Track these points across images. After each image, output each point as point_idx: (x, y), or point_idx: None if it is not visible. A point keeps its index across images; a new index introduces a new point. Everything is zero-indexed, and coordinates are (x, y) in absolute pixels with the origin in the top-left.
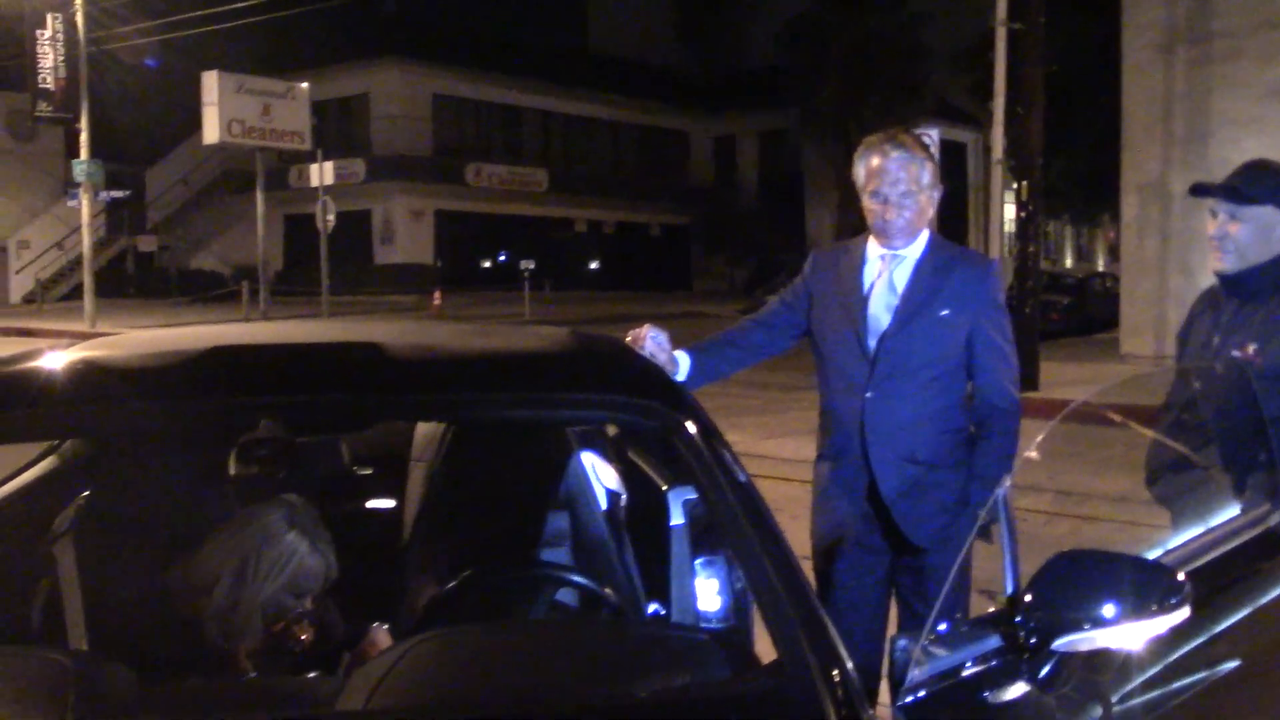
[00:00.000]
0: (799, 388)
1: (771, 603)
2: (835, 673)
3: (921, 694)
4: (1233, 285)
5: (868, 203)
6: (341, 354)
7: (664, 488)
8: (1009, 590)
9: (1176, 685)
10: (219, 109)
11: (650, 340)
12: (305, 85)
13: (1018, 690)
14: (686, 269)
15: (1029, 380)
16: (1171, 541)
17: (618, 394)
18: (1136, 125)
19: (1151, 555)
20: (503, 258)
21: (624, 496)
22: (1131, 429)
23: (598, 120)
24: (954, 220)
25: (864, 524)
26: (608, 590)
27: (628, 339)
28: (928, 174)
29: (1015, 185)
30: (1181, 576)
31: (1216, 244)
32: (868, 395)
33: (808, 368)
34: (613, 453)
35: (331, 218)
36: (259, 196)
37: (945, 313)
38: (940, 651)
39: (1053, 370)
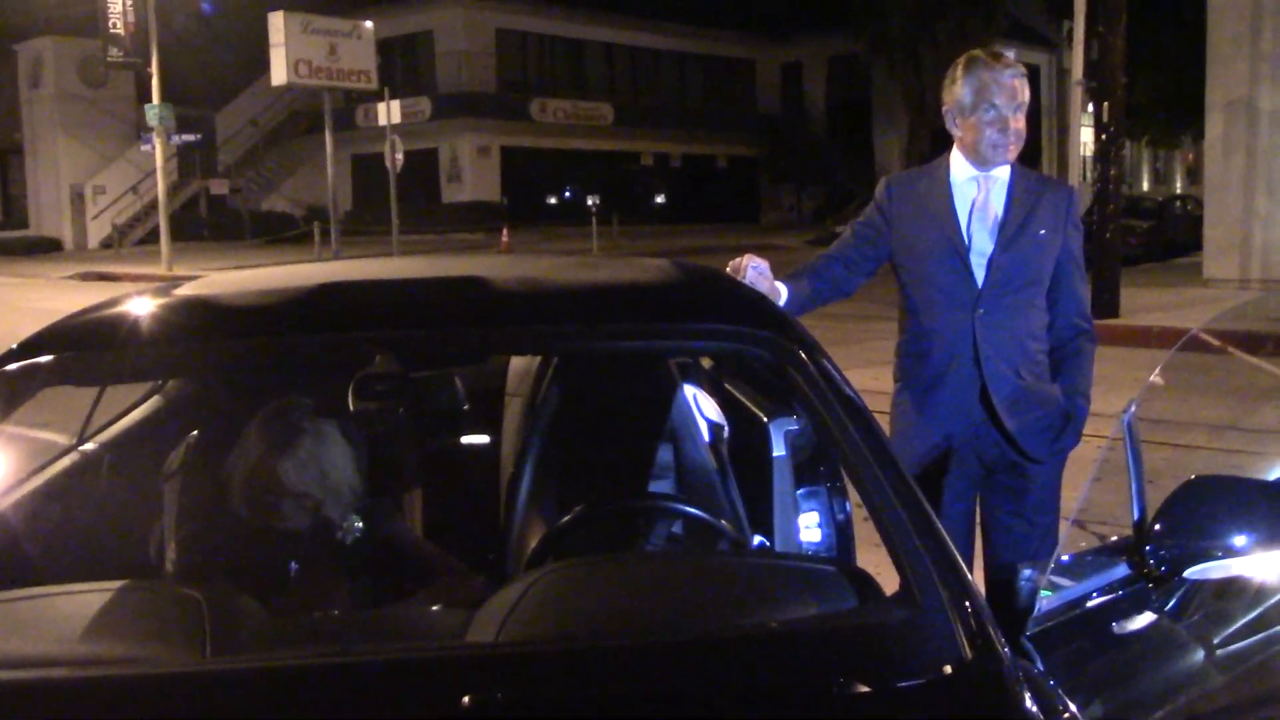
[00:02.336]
0: (873, 317)
1: (897, 531)
2: (967, 603)
3: (1049, 624)
4: None
5: (974, 121)
6: (456, 288)
7: (765, 419)
8: (1135, 518)
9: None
10: (286, 50)
11: (751, 269)
12: (370, 24)
13: (1146, 620)
14: (754, 200)
15: (1111, 306)
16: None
17: (731, 323)
18: (1223, 40)
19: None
20: (569, 193)
21: (726, 429)
22: (1233, 356)
23: (662, 51)
24: (1027, 145)
25: (963, 446)
26: (723, 522)
27: (728, 269)
28: (1026, 90)
29: (1094, 107)
30: None
31: None
32: (980, 313)
33: (880, 298)
34: (709, 385)
35: (400, 156)
36: (328, 137)
37: (1042, 232)
38: (1065, 581)
39: (1134, 296)
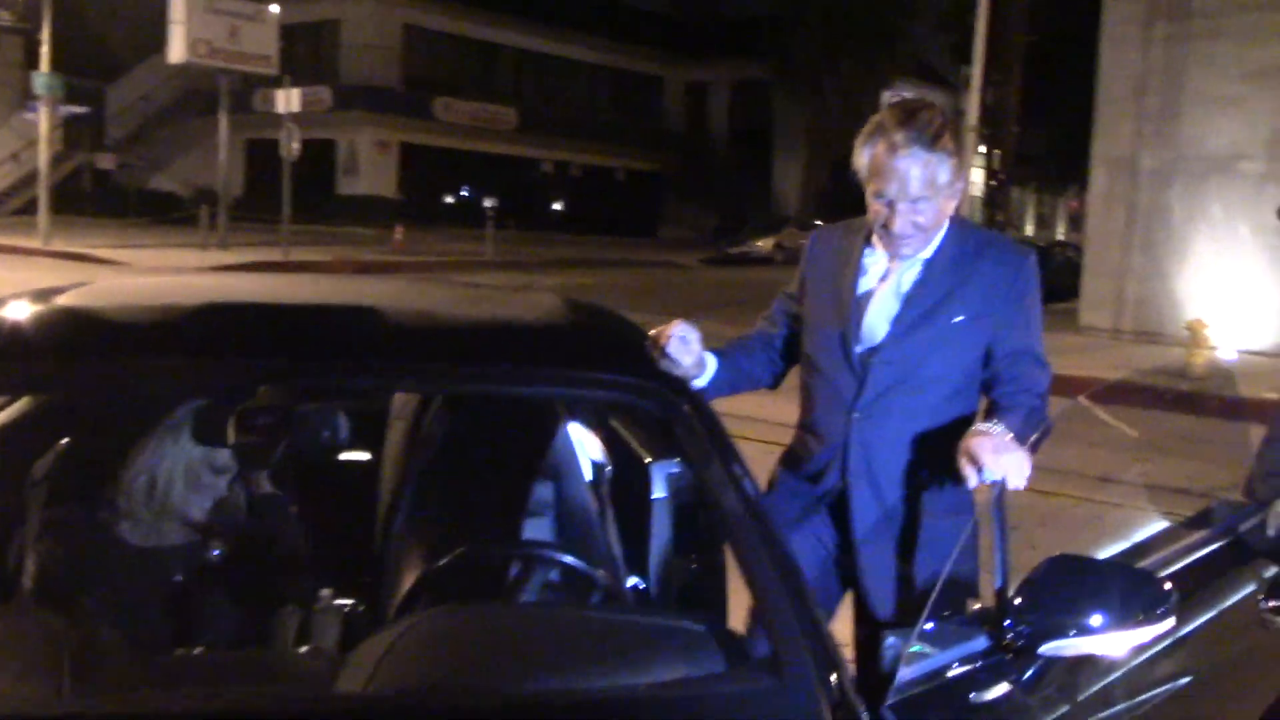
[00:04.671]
0: None
1: (768, 598)
2: (832, 674)
3: (910, 694)
4: None
5: (869, 199)
6: (351, 319)
7: (647, 460)
8: (997, 587)
9: (1146, 693)
10: (186, 28)
11: (676, 339)
12: (275, 8)
13: (1002, 690)
14: (653, 215)
15: None
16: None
17: (620, 374)
18: (1110, 99)
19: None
20: (466, 194)
21: (608, 468)
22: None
23: (572, 61)
24: None
25: (823, 568)
26: (600, 572)
27: (651, 333)
28: (947, 171)
29: (987, 152)
30: (1169, 586)
31: None
32: (854, 416)
33: None
34: (595, 421)
35: (296, 145)
36: (222, 120)
37: (960, 319)
38: (929, 650)
39: None
